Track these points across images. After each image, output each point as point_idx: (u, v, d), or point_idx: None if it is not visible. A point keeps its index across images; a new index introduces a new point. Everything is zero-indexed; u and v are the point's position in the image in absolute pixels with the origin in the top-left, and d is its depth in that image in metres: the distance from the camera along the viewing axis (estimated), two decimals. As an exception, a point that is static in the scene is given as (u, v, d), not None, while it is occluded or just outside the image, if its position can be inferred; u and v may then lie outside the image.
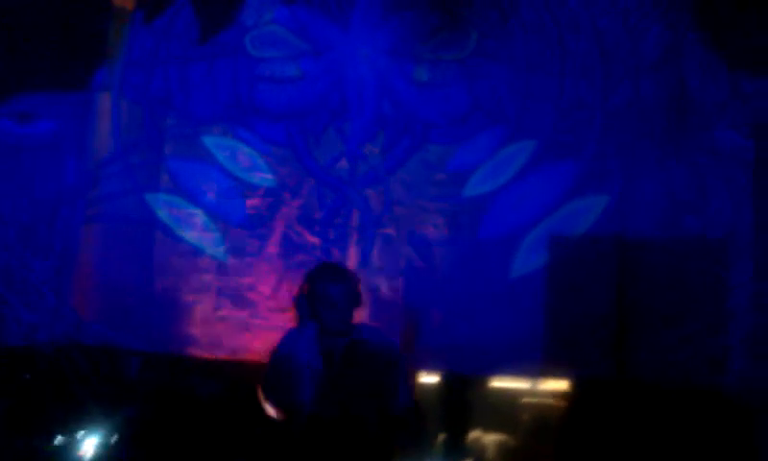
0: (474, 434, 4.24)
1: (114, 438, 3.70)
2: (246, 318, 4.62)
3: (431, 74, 4.64)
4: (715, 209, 4.09)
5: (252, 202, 4.73)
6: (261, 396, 3.03)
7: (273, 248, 4.66)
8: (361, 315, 4.26)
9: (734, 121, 4.12)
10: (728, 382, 3.86)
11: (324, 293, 2.96)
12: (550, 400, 4.23)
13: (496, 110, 4.56)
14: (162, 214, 4.80)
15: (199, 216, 4.77)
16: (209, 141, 4.84)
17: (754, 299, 3.70)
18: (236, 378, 4.40)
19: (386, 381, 2.92)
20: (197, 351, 4.61)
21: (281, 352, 3.00)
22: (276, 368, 2.97)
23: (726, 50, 4.15)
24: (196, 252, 4.74)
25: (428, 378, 4.36)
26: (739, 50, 4.12)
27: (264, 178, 4.74)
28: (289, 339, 3.00)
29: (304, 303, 2.97)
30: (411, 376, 3.06)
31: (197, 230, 4.76)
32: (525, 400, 4.29)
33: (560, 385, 4.23)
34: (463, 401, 4.31)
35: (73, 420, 3.89)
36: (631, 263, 4.14)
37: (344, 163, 4.69)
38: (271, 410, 3.00)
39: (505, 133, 4.54)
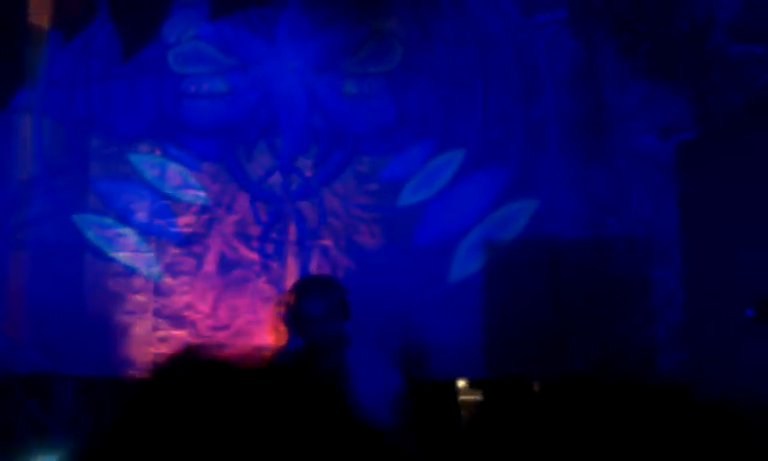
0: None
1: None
2: (186, 337, 4.59)
3: (359, 87, 4.75)
4: (636, 210, 4.37)
5: (185, 220, 4.70)
6: None
7: (209, 265, 4.64)
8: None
9: (650, 124, 4.41)
10: (657, 374, 4.13)
11: (302, 309, 2.98)
12: (490, 399, 4.39)
13: (424, 122, 4.70)
14: (92, 235, 4.70)
15: (130, 236, 4.70)
16: (137, 160, 4.78)
17: (679, 294, 3.98)
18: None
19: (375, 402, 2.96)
20: (136, 374, 4.53)
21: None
22: None
23: (639, 58, 4.44)
24: (129, 272, 4.67)
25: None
26: (651, 58, 4.42)
27: (196, 195, 4.72)
28: (276, 358, 3.01)
29: (289, 320, 2.99)
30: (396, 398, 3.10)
31: (129, 250, 4.69)
32: (463, 398, 4.44)
33: (499, 384, 4.41)
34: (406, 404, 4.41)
35: (16, 453, 3.77)
36: (561, 264, 4.36)
37: (277, 177, 4.73)
38: None
39: (434, 143, 4.69)
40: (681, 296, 3.88)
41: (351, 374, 3.02)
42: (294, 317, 2.99)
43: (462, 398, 4.42)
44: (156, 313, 4.60)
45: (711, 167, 3.63)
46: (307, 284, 3.13)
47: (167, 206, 4.72)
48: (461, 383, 4.45)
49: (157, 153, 4.77)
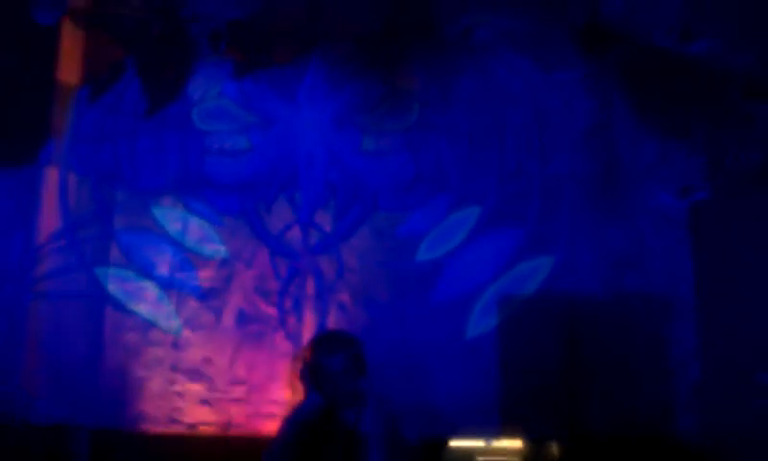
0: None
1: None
2: (203, 391, 4.60)
3: (377, 144, 4.81)
4: (653, 266, 4.35)
5: (205, 273, 4.75)
6: None
7: (228, 320, 4.68)
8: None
9: (666, 182, 4.42)
10: (675, 432, 4.07)
11: (320, 365, 2.98)
12: (505, 458, 4.34)
13: (441, 178, 4.75)
14: (113, 288, 4.76)
15: (151, 289, 4.75)
16: (160, 213, 4.85)
17: (696, 350, 3.94)
18: (190, 453, 4.37)
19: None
20: (152, 428, 4.55)
21: (287, 427, 3.02)
22: (283, 442, 2.98)
23: (654, 117, 4.48)
24: (148, 326, 4.71)
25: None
26: (666, 116, 4.45)
27: (217, 249, 4.78)
28: (296, 413, 3.01)
29: (306, 376, 3.00)
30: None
31: (149, 303, 4.74)
32: (481, 459, 4.38)
33: (515, 443, 4.36)
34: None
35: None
36: (578, 320, 4.34)
37: (296, 232, 4.78)
38: None
39: (451, 199, 4.72)
40: (698, 354, 3.84)
41: (366, 433, 3.01)
42: (311, 372, 3.00)
43: (479, 459, 4.37)
44: (173, 367, 4.63)
45: (727, 225, 3.62)
46: (325, 340, 3.14)
47: (188, 259, 4.78)
48: (478, 443, 4.40)
49: (180, 207, 4.84)
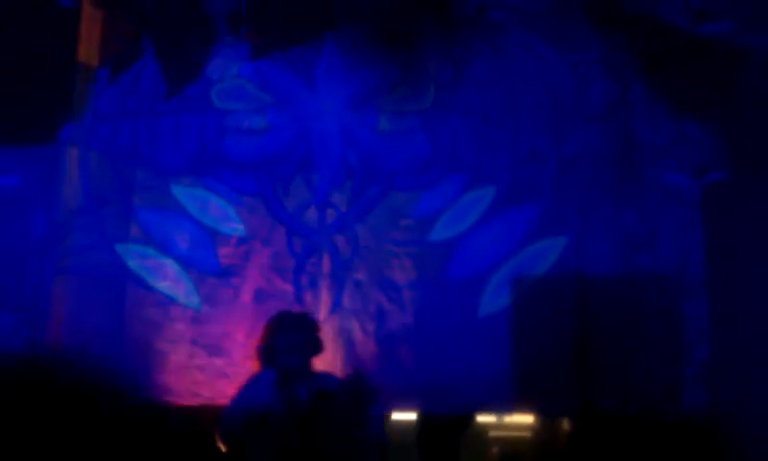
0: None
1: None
2: (222, 366, 4.71)
3: (394, 125, 4.86)
4: (665, 246, 4.39)
5: (224, 251, 4.84)
6: (220, 439, 3.15)
7: (246, 296, 4.77)
8: (334, 358, 4.43)
9: (680, 163, 4.44)
10: (685, 410, 4.13)
11: (279, 341, 3.14)
12: (518, 433, 4.43)
13: (457, 159, 4.79)
14: (134, 265, 4.86)
15: (171, 266, 4.85)
16: (179, 192, 4.94)
17: (706, 330, 3.99)
18: (211, 424, 4.48)
19: (356, 420, 3.08)
20: (173, 400, 4.67)
21: (241, 398, 3.16)
22: (236, 413, 3.12)
23: (670, 98, 4.49)
24: (168, 301, 4.81)
25: (399, 418, 4.51)
26: (682, 97, 4.46)
27: (235, 227, 4.87)
28: (249, 386, 3.17)
29: (264, 352, 3.16)
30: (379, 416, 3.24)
31: (169, 280, 4.84)
32: (493, 434, 4.47)
33: (527, 418, 4.44)
34: (434, 438, 4.46)
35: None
36: (590, 300, 4.40)
37: (313, 211, 4.85)
38: (228, 451, 3.13)
39: (465, 179, 4.77)
40: (708, 333, 3.89)
41: (329, 400, 3.13)
42: (266, 348, 3.17)
43: (491, 434, 4.46)
44: (193, 342, 4.73)
45: (740, 207, 3.65)
46: (280, 320, 3.30)
47: (207, 237, 4.87)
48: (491, 419, 4.49)
49: (199, 186, 4.92)
